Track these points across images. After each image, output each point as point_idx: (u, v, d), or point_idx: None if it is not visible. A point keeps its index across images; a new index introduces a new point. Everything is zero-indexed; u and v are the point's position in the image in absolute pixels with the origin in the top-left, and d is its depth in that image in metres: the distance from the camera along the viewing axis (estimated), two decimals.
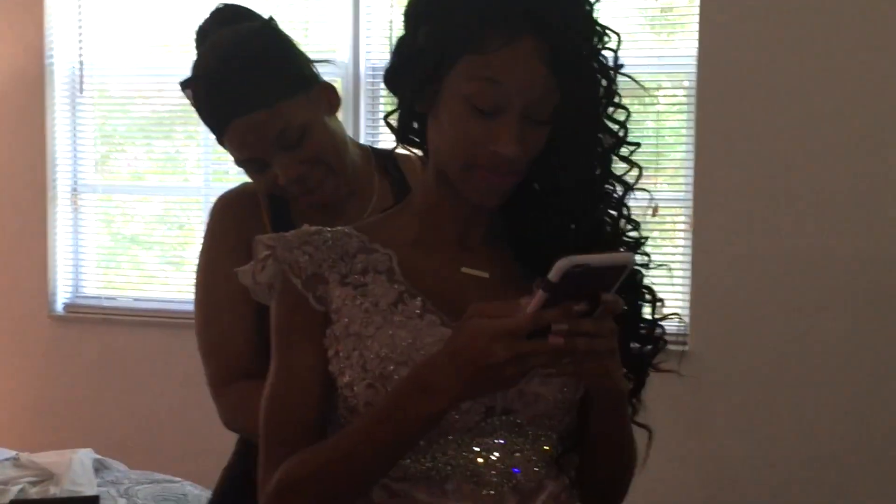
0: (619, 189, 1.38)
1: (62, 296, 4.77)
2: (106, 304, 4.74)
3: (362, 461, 1.26)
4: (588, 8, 1.31)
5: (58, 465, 3.46)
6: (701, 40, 3.93)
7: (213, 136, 1.84)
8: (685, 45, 4.04)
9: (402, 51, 1.36)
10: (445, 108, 1.30)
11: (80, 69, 4.67)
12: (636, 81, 1.39)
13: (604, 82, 1.32)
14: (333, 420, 1.34)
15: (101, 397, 4.65)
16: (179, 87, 1.83)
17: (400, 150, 1.48)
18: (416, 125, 1.39)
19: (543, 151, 1.31)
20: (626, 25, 4.11)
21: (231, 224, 1.88)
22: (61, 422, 4.64)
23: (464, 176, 1.31)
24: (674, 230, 4.16)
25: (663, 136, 4.21)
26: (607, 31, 1.32)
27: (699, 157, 3.96)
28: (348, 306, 1.32)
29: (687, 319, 3.97)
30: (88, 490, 3.32)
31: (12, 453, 3.76)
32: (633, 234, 1.40)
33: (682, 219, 4.11)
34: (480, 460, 1.29)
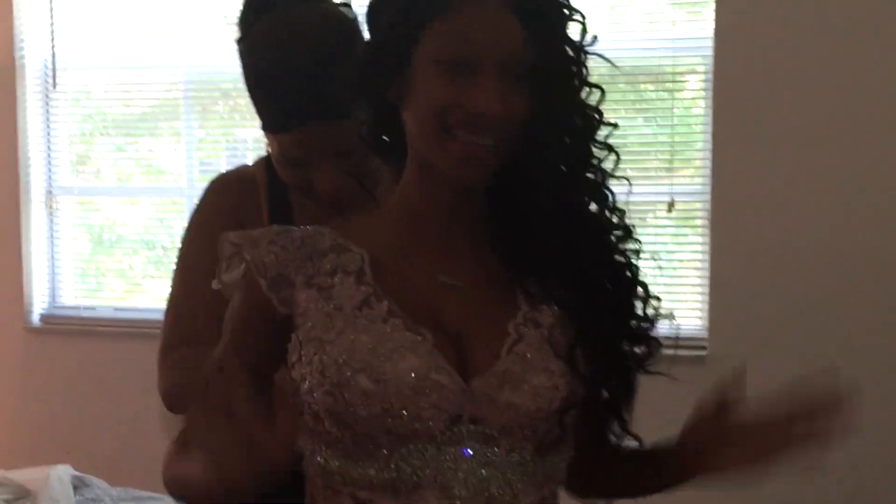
0: (604, 178, 1.37)
1: (38, 306, 4.72)
2: (85, 314, 4.68)
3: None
4: None
5: (34, 482, 3.47)
6: (717, 26, 3.88)
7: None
8: (701, 30, 3.98)
9: (368, 49, 1.38)
10: (418, 83, 1.30)
11: (53, 63, 4.60)
12: (608, 61, 1.39)
13: (574, 59, 1.33)
14: (301, 424, 1.32)
15: (80, 412, 4.60)
16: (241, 52, 1.75)
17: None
18: (388, 133, 1.40)
19: (522, 138, 1.30)
20: (642, 9, 4.07)
21: (227, 205, 1.88)
22: (38, 437, 4.61)
23: (442, 148, 1.29)
24: (691, 226, 4.09)
25: (680, 128, 4.13)
26: (574, 9, 1.34)
27: (717, 149, 3.91)
28: (312, 309, 1.32)
29: (705, 321, 3.94)
30: None
31: None
32: (618, 222, 1.38)
33: (700, 213, 4.05)
34: (448, 472, 1.28)
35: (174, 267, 1.93)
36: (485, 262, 1.39)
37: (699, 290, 3.99)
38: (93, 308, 4.71)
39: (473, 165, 1.30)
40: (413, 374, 1.26)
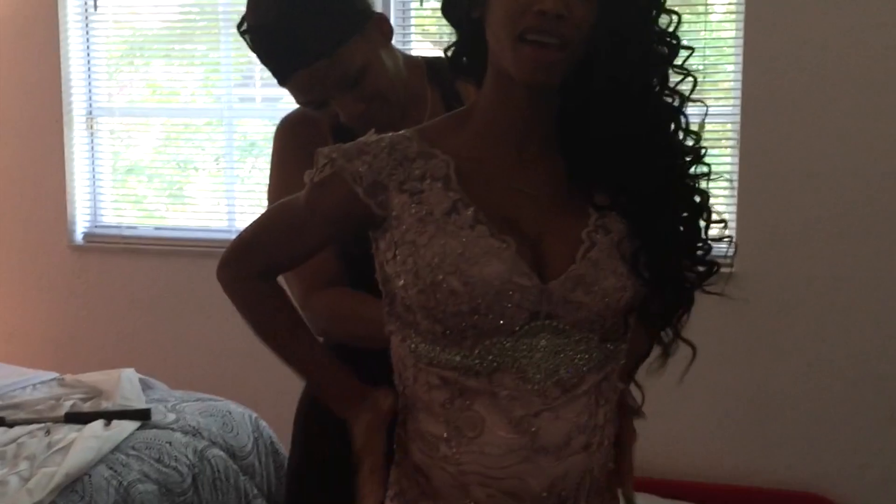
0: (676, 100, 1.49)
1: (81, 225, 4.87)
2: (126, 232, 4.84)
3: (289, 360, 1.65)
4: None
5: (106, 383, 3.64)
6: None
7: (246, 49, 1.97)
8: None
9: None
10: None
11: None
12: None
13: None
14: (391, 312, 1.52)
15: (122, 325, 4.79)
16: (237, 31, 1.95)
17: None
18: (470, 54, 1.53)
19: (591, 52, 1.42)
20: None
21: (297, 144, 2.02)
22: (83, 349, 4.78)
23: (515, 52, 1.42)
24: (721, 146, 4.19)
25: (710, 51, 4.23)
26: None
27: (747, 71, 4.00)
28: (405, 214, 1.47)
29: (733, 240, 4.02)
30: (139, 405, 3.48)
31: (54, 374, 3.93)
32: (690, 143, 1.50)
33: (730, 134, 4.15)
34: (524, 359, 1.45)
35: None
36: (558, 171, 1.51)
37: (728, 210, 4.11)
38: (134, 227, 4.87)
39: (542, 68, 1.42)
40: (498, 279, 1.42)
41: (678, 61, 1.48)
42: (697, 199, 1.52)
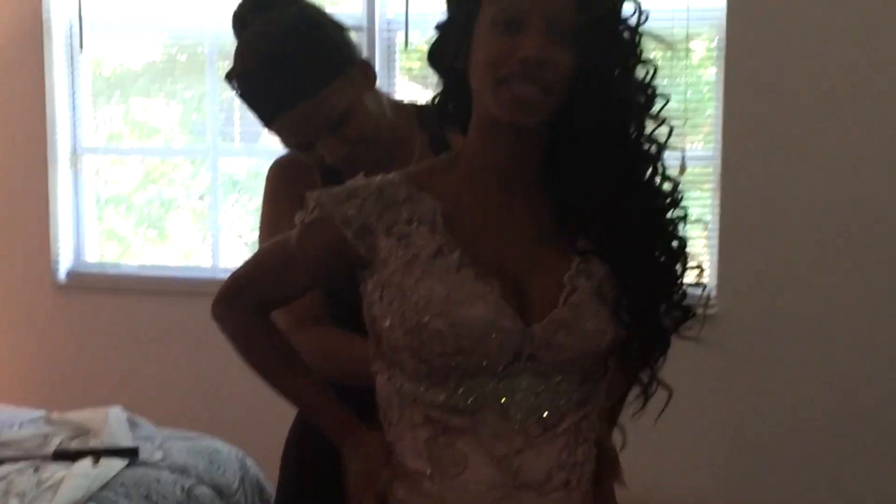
0: (653, 147, 1.54)
1: (64, 264, 4.89)
2: (110, 271, 4.88)
3: (286, 394, 1.70)
4: None
5: (93, 421, 3.64)
6: None
7: (227, 95, 2.02)
8: None
9: (439, 25, 1.58)
10: (477, 46, 1.49)
11: (80, 24, 4.75)
12: (657, 37, 1.57)
13: (626, 34, 1.49)
14: (377, 352, 1.57)
15: (105, 364, 4.80)
16: (225, 80, 2.02)
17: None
18: (456, 102, 1.59)
19: (572, 98, 1.48)
20: None
21: (288, 185, 2.08)
22: (65, 388, 4.79)
23: (497, 95, 1.47)
24: (701, 188, 4.26)
25: (691, 93, 4.30)
26: None
27: (728, 114, 4.06)
28: (392, 257, 1.51)
29: (714, 282, 4.10)
30: (126, 443, 3.48)
31: (41, 412, 3.92)
32: (668, 188, 1.55)
33: (710, 177, 4.22)
34: (506, 399, 1.50)
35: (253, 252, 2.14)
36: (541, 215, 1.56)
37: (708, 251, 4.17)
38: (117, 265, 4.91)
39: (523, 107, 1.46)
40: (482, 321, 1.47)
41: (655, 109, 1.53)
42: (675, 244, 1.57)
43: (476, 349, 1.47)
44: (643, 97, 1.52)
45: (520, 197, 1.56)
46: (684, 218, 1.57)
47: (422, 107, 2.16)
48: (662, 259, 1.56)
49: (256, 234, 2.17)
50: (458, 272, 1.49)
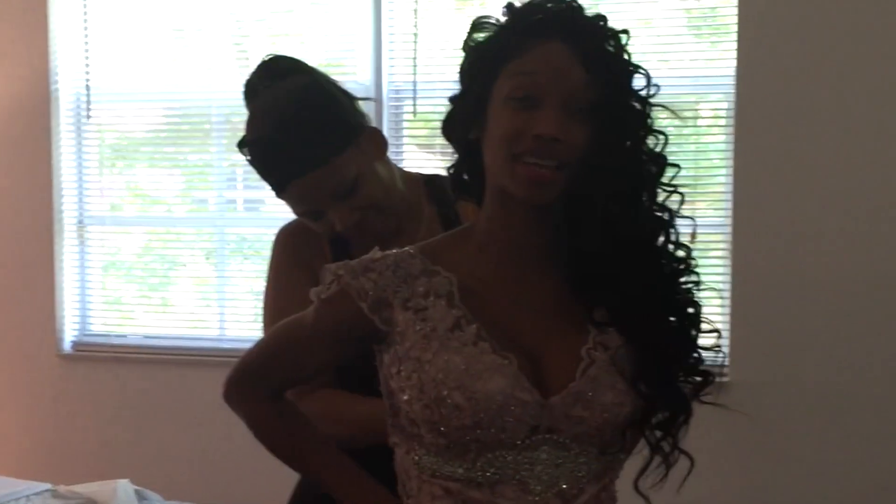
0: (665, 215, 1.55)
1: (70, 334, 4.89)
2: (115, 341, 4.86)
3: (309, 474, 1.72)
4: (617, 36, 1.53)
5: (101, 494, 3.65)
6: (739, 58, 4.04)
7: (235, 165, 2.02)
8: (724, 63, 4.14)
9: (453, 98, 1.61)
10: (493, 120, 1.51)
11: (87, 94, 4.78)
12: (667, 108, 1.58)
13: (637, 107, 1.52)
14: (396, 425, 1.57)
15: (112, 435, 4.77)
16: (237, 148, 2.03)
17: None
18: (470, 172, 1.60)
19: (584, 169, 1.49)
20: (664, 43, 4.25)
21: (293, 254, 2.09)
22: (71, 459, 4.76)
23: (512, 172, 1.49)
24: (713, 256, 4.25)
25: (701, 160, 4.31)
26: (636, 65, 1.54)
27: (738, 181, 4.07)
28: (410, 330, 1.52)
29: (727, 349, 4.08)
30: None
31: (47, 485, 3.89)
32: (681, 257, 1.56)
33: (722, 245, 4.21)
34: (525, 472, 1.50)
35: (261, 320, 2.12)
36: (557, 288, 1.57)
37: (721, 318, 4.14)
38: (123, 336, 4.89)
39: (538, 186, 1.48)
40: (500, 394, 1.47)
41: (666, 178, 1.55)
42: (690, 310, 1.57)
43: (494, 422, 1.47)
44: (655, 167, 1.53)
45: (534, 268, 1.57)
46: (698, 284, 1.58)
47: (429, 178, 2.16)
48: (678, 325, 1.56)
49: (262, 297, 2.15)
50: (475, 345, 1.50)
